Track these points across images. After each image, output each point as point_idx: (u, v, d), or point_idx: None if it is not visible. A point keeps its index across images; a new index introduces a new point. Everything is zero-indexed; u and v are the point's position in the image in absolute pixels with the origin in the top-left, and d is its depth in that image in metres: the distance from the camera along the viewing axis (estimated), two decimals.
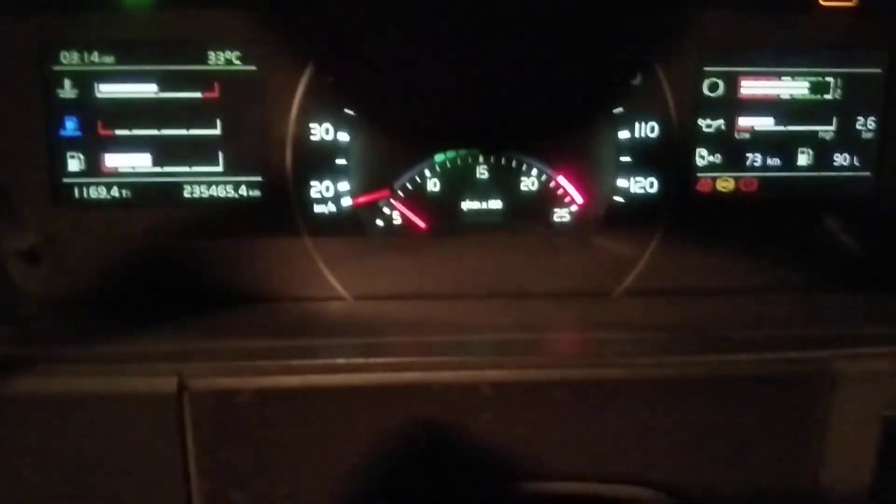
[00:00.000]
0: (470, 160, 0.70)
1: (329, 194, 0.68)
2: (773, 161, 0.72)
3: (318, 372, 0.54)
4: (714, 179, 0.71)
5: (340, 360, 0.54)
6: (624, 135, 0.69)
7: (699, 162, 0.71)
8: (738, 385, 0.56)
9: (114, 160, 0.67)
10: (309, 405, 0.54)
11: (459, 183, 0.70)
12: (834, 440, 0.57)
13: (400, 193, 0.70)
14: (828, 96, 0.71)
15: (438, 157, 0.69)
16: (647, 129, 0.69)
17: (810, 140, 0.72)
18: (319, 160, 0.67)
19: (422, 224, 0.70)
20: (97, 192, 0.67)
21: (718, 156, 0.71)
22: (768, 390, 0.56)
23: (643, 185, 0.70)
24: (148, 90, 0.65)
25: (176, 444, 0.53)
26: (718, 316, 0.66)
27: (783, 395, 0.56)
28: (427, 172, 0.70)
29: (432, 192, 0.70)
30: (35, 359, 0.54)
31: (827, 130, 0.72)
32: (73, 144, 0.66)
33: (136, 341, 0.57)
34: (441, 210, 0.70)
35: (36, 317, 0.64)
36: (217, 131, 0.67)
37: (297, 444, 0.54)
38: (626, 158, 0.69)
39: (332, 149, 0.67)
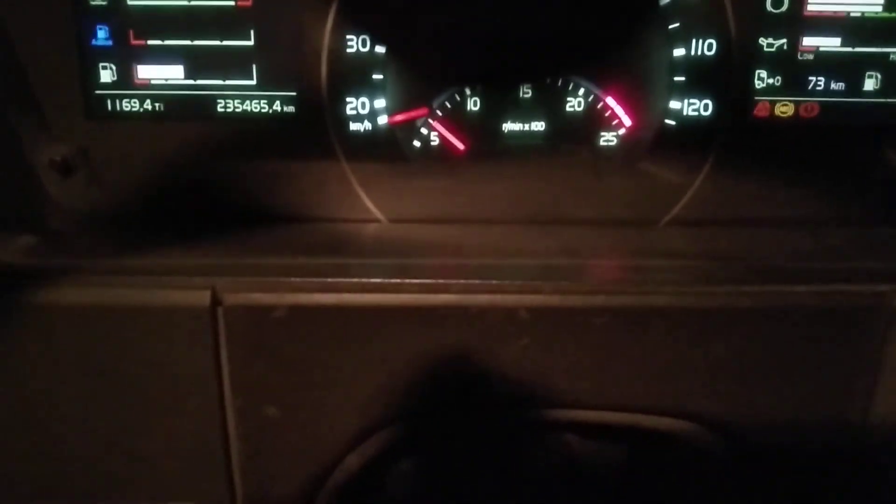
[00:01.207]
0: (512, 78, 0.66)
1: (365, 111, 0.66)
2: (838, 85, 0.67)
3: (352, 291, 0.53)
4: (773, 103, 0.67)
5: (376, 280, 0.53)
6: (679, 52, 0.65)
7: (758, 84, 0.66)
8: (788, 317, 0.53)
9: (146, 71, 0.65)
10: (343, 323, 0.53)
11: (500, 103, 0.67)
12: (887, 378, 0.54)
13: (438, 112, 0.67)
14: None
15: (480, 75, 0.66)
16: (704, 47, 0.64)
17: (880, 63, 0.66)
18: (355, 74, 0.65)
19: (460, 145, 0.68)
20: (129, 105, 0.65)
21: (779, 78, 0.66)
22: (820, 323, 0.54)
23: (697, 107, 0.66)
24: None
25: (209, 359, 0.53)
26: (771, 247, 0.63)
27: (836, 329, 0.54)
28: (468, 91, 0.67)
29: (472, 112, 0.67)
30: (67, 269, 0.54)
31: None
32: (104, 55, 0.64)
33: (170, 255, 0.57)
34: (481, 131, 0.67)
35: (69, 229, 0.64)
36: (251, 42, 0.64)
37: (331, 362, 0.53)
38: (679, 78, 0.65)
39: (369, 62, 0.64)
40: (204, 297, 0.52)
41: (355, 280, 0.53)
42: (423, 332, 0.53)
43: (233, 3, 0.63)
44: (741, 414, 0.55)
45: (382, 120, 0.66)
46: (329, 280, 0.52)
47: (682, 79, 0.65)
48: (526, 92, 0.67)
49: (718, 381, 0.54)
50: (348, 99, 0.65)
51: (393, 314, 0.53)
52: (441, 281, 0.52)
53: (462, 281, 0.53)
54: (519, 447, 0.63)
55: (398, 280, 0.53)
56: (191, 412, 0.55)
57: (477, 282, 0.53)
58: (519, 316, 0.52)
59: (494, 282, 0.52)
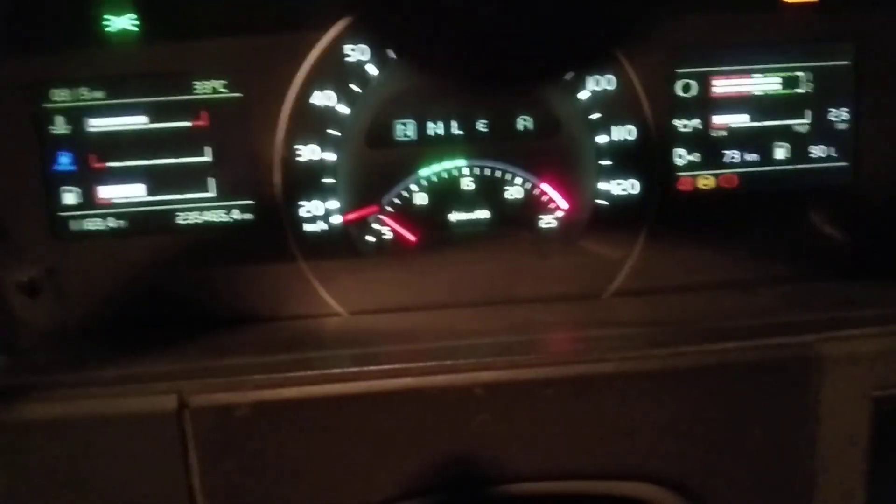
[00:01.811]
0: (455, 172, 0.71)
1: (319, 213, 0.70)
2: (752, 156, 0.73)
3: (314, 383, 0.55)
4: (694, 178, 0.73)
5: (335, 370, 0.55)
6: (602, 139, 0.71)
7: (678, 161, 0.72)
8: (727, 374, 0.57)
9: (108, 192, 0.68)
10: (307, 416, 0.55)
11: (446, 195, 0.72)
12: (826, 423, 0.58)
13: (388, 209, 0.71)
14: (799, 90, 0.73)
15: (423, 172, 0.71)
16: (625, 133, 0.71)
17: (786, 134, 0.73)
18: (308, 180, 0.69)
19: (411, 237, 0.72)
20: (93, 224, 0.68)
21: (697, 154, 0.73)
22: (757, 377, 0.57)
23: (625, 187, 0.71)
24: (138, 122, 0.67)
25: (179, 462, 0.54)
26: (707, 309, 0.67)
27: (772, 382, 0.57)
28: (414, 187, 0.71)
29: (420, 206, 0.72)
30: (34, 386, 0.55)
31: (802, 123, 0.73)
32: (67, 178, 0.68)
33: (135, 364, 0.59)
34: (429, 223, 0.72)
35: (37, 347, 0.65)
36: (207, 158, 0.68)
37: (298, 454, 0.55)
38: (606, 162, 0.71)
39: (320, 168, 0.69)
40: (170, 402, 0.53)
41: (316, 372, 0.55)
42: (386, 417, 0.55)
43: (188, 124, 0.68)
44: (693, 470, 0.57)
45: (336, 219, 0.70)
46: (290, 374, 0.55)
47: (609, 162, 0.71)
48: (468, 184, 0.72)
49: (669, 439, 0.56)
50: (302, 202, 0.69)
51: (355, 402, 0.55)
52: (399, 366, 0.55)
53: (419, 364, 0.55)
54: None
55: (357, 368, 0.55)
56: None
57: (433, 363, 0.55)
58: (475, 393, 0.54)
59: (449, 362, 0.55)
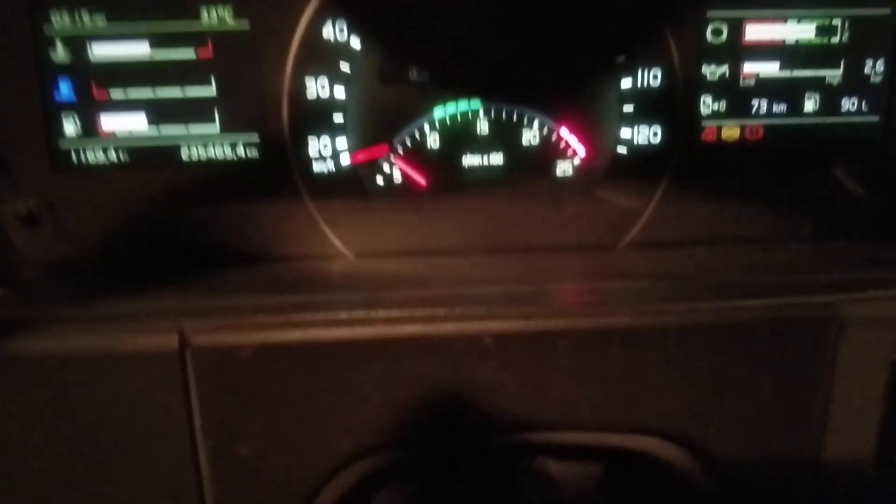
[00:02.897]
0: (470, 114, 0.69)
1: (327, 152, 0.68)
2: (780, 107, 0.70)
3: (319, 326, 0.53)
4: (719, 127, 0.70)
5: (341, 315, 0.54)
6: (626, 84, 0.68)
7: (703, 110, 0.69)
8: (743, 332, 0.55)
9: (110, 123, 0.66)
10: (310, 359, 0.53)
11: (460, 138, 0.69)
12: (841, 385, 0.56)
13: (399, 150, 0.69)
14: (835, 39, 0.69)
15: (438, 112, 0.68)
16: (650, 78, 0.67)
17: (817, 85, 0.70)
18: (316, 117, 0.66)
19: (422, 181, 0.69)
20: (94, 156, 0.66)
21: (723, 103, 0.69)
22: (774, 336, 0.55)
23: (646, 135, 0.69)
24: (141, 51, 0.65)
25: (180, 402, 0.53)
26: (725, 264, 0.65)
27: (789, 341, 0.56)
28: (426, 128, 0.69)
29: (432, 149, 0.69)
30: (37, 320, 0.54)
31: (834, 75, 0.70)
32: (68, 108, 0.66)
33: (137, 300, 0.57)
34: (441, 166, 0.69)
35: (38, 281, 0.64)
36: (212, 91, 0.66)
37: (300, 398, 0.54)
38: (628, 108, 0.68)
39: (329, 105, 0.66)
40: (172, 340, 0.52)
41: (321, 316, 0.54)
42: (391, 364, 0.54)
43: (193, 54, 0.65)
44: (704, 428, 0.56)
45: (345, 159, 0.68)
46: (295, 317, 0.53)
47: (632, 108, 0.68)
48: (483, 126, 0.69)
49: (680, 396, 0.55)
50: (310, 140, 0.67)
51: (359, 348, 0.54)
52: (406, 312, 0.54)
53: (426, 311, 0.54)
54: (494, 474, 0.64)
55: (363, 313, 0.54)
56: (163, 456, 0.55)
57: (441, 311, 0.54)
58: (483, 343, 0.53)
59: (458, 310, 0.54)
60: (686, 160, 0.69)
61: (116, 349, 0.53)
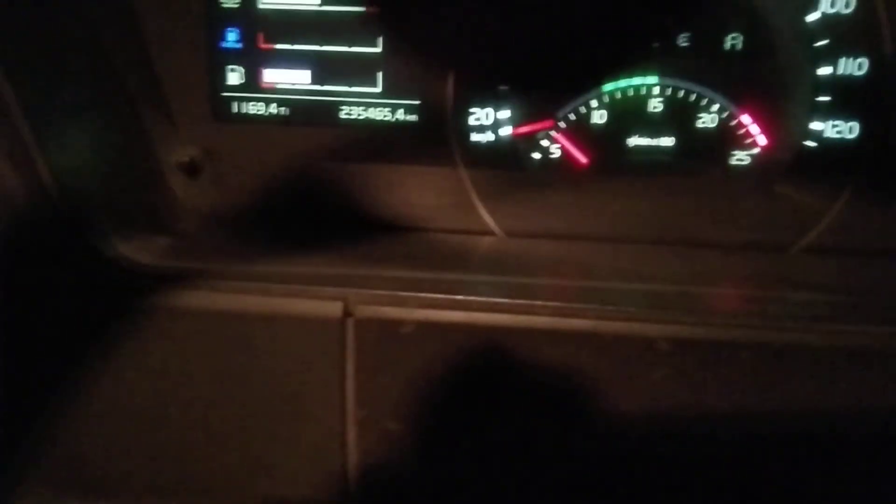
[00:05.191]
0: (643, 91, 0.64)
1: (488, 122, 0.65)
2: None
3: (482, 310, 0.51)
4: None
5: (506, 300, 0.51)
6: (825, 71, 0.61)
7: None
8: None
9: (273, 75, 0.65)
10: (470, 341, 0.51)
11: (628, 116, 0.64)
12: None
13: (562, 125, 0.65)
14: None
15: (608, 87, 0.64)
16: (854, 66, 0.61)
17: None
18: (482, 85, 0.63)
19: (583, 159, 0.66)
20: (255, 108, 0.66)
21: None
22: None
23: (841, 129, 0.62)
24: (310, 3, 0.63)
25: (336, 370, 0.53)
26: None
27: None
28: (594, 103, 0.64)
29: (597, 125, 0.65)
30: (202, 273, 0.54)
31: None
32: (233, 57, 0.65)
33: (299, 263, 0.57)
34: (605, 145, 0.65)
35: (197, 231, 0.65)
36: (378, 49, 0.63)
37: (455, 379, 0.52)
38: (823, 98, 0.62)
39: (496, 73, 0.63)
40: (336, 309, 0.51)
41: (486, 299, 0.51)
42: (553, 357, 0.51)
43: (362, 9, 0.63)
44: (883, 459, 0.51)
45: (505, 131, 0.65)
46: (459, 297, 0.51)
47: (827, 98, 0.62)
48: (656, 106, 0.64)
49: (865, 425, 0.50)
50: (473, 109, 0.64)
51: (522, 336, 0.51)
52: (576, 305, 0.51)
53: (597, 306, 0.51)
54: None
55: (530, 301, 0.51)
56: (312, 421, 0.55)
57: (612, 308, 0.51)
58: (657, 346, 0.50)
59: (632, 309, 0.50)
60: (881, 160, 0.62)
61: (280, 311, 0.52)
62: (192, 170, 0.65)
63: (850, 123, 0.62)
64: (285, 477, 0.57)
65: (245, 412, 0.55)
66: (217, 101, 0.65)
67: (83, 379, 0.55)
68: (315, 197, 0.66)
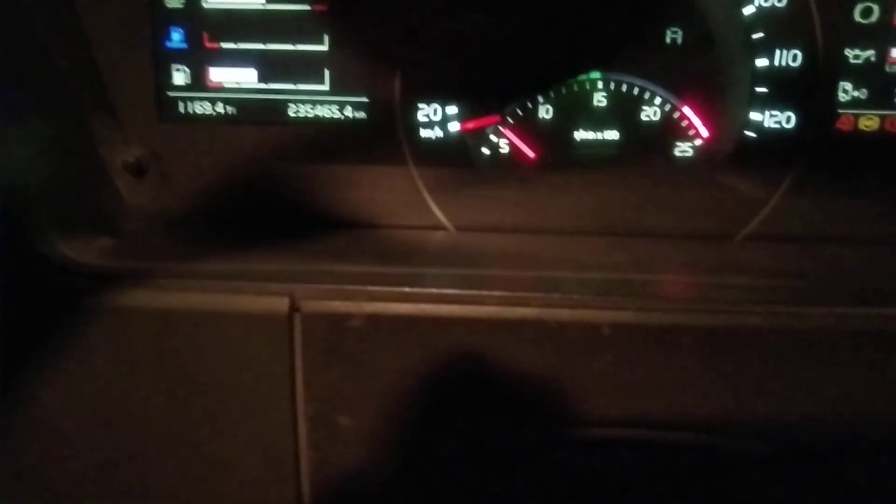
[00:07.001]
0: (587, 86, 0.65)
1: (437, 118, 0.65)
2: None
3: (430, 301, 0.52)
4: (857, 117, 0.64)
5: (454, 291, 0.52)
6: (762, 63, 0.63)
7: (842, 97, 0.64)
8: (869, 342, 0.51)
9: (219, 74, 0.65)
10: (419, 333, 0.52)
11: (574, 111, 0.65)
12: None
13: (509, 120, 0.66)
14: None
15: (553, 82, 0.65)
16: (789, 58, 0.62)
17: None
18: (429, 81, 0.64)
19: (531, 154, 0.66)
20: (202, 108, 0.65)
21: (864, 90, 0.64)
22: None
23: (779, 119, 0.64)
24: (256, 1, 0.63)
25: (284, 366, 0.52)
26: (857, 266, 0.61)
27: None
28: (540, 98, 0.65)
29: (544, 120, 0.66)
30: (146, 273, 0.54)
31: None
32: (178, 57, 0.64)
33: (245, 260, 0.56)
34: (552, 139, 0.66)
35: (142, 232, 0.64)
36: (324, 47, 0.64)
37: (405, 371, 0.52)
38: (762, 89, 0.63)
39: (443, 69, 0.63)
40: (282, 304, 0.51)
41: (434, 291, 0.52)
42: (501, 345, 0.52)
43: (308, 8, 0.63)
44: (825, 441, 0.53)
45: (453, 127, 0.65)
46: (408, 290, 0.52)
47: (765, 90, 0.63)
48: (600, 100, 0.65)
49: (806, 406, 0.52)
50: (420, 105, 0.64)
51: (470, 326, 0.52)
52: (522, 294, 0.51)
53: (542, 294, 0.51)
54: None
55: (477, 292, 0.52)
56: (262, 418, 0.54)
57: (558, 296, 0.51)
58: (601, 332, 0.50)
59: (577, 296, 0.51)
60: (818, 149, 0.64)
61: (225, 308, 0.52)
62: (138, 170, 0.64)
63: (788, 113, 0.64)
64: (237, 476, 0.56)
65: (195, 411, 0.55)
66: (163, 101, 0.65)
67: (26, 383, 0.54)
68: (264, 196, 0.66)
